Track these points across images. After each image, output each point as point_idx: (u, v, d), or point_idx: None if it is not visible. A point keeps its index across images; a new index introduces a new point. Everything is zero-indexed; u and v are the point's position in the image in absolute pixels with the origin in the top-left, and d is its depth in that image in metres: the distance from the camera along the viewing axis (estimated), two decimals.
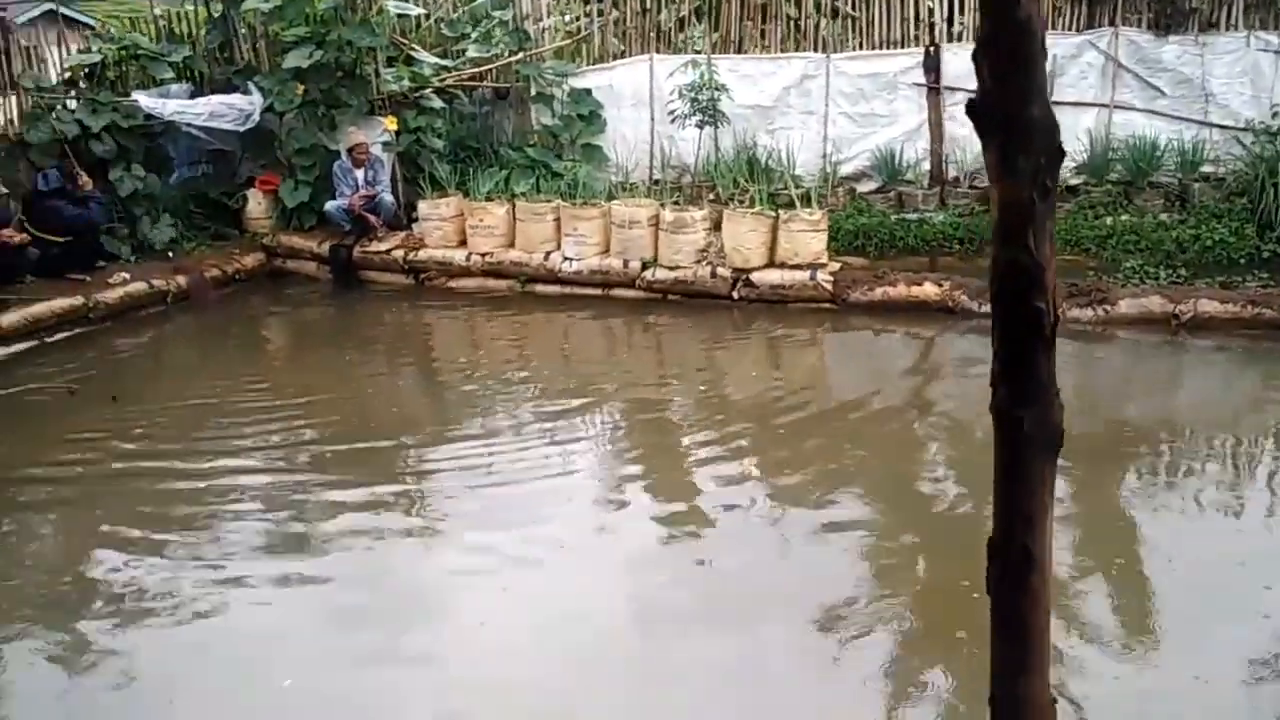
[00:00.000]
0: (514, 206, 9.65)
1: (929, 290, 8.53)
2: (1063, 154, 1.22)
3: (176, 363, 8.57)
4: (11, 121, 9.48)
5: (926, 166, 9.95)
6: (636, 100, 10.52)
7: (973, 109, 1.22)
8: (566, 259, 9.40)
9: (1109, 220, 8.90)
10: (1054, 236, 1.24)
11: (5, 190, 8.52)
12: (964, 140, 9.77)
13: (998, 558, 1.35)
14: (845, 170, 10.09)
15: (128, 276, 9.17)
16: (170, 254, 9.84)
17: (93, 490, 5.73)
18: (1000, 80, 1.17)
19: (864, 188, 10.09)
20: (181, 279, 9.48)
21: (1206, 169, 9.26)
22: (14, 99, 9.55)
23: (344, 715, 3.79)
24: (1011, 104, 1.18)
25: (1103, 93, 9.49)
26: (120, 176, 9.50)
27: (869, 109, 10.03)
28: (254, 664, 4.12)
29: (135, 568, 4.81)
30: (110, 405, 7.08)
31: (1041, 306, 1.23)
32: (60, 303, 8.55)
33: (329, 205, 10.04)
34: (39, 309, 8.39)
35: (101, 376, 7.96)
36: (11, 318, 8.19)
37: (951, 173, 9.89)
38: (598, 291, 9.38)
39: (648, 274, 9.15)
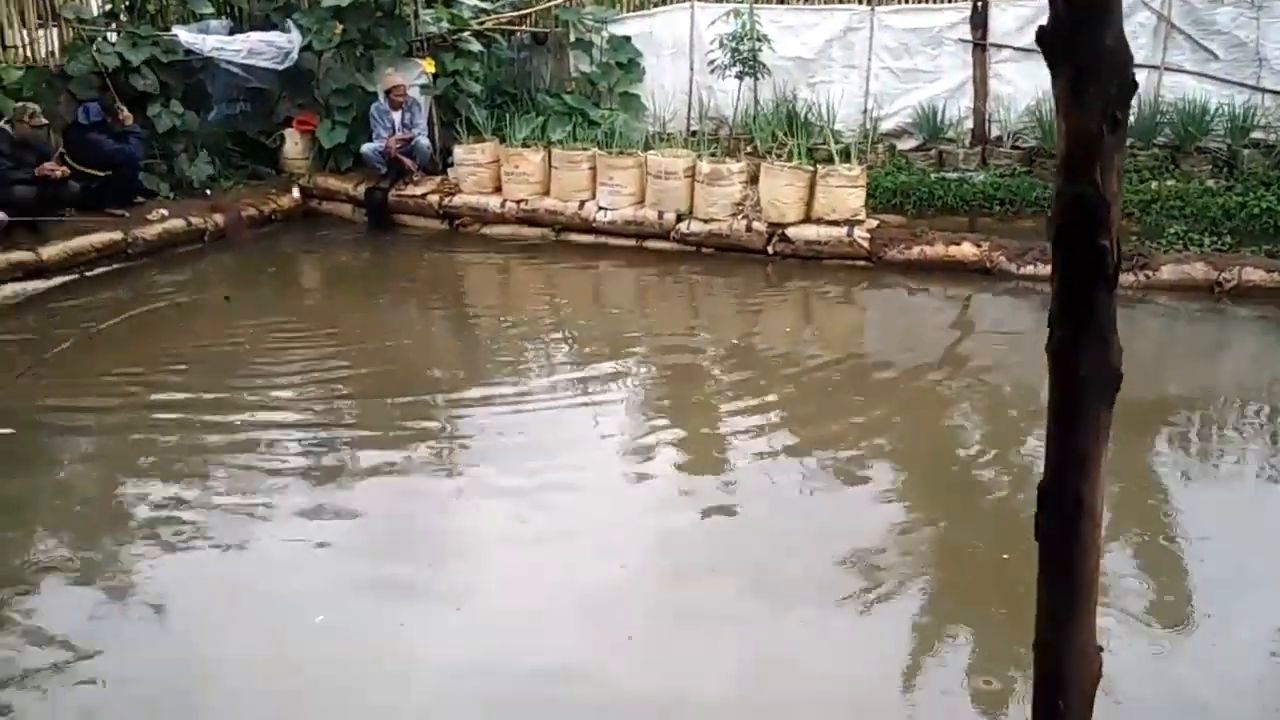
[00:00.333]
0: (550, 154, 9.59)
1: (967, 250, 8.42)
2: (1135, 86, 1.18)
3: (212, 301, 8.62)
4: (53, 53, 9.50)
5: (969, 125, 9.78)
6: (676, 49, 10.38)
7: (1043, 36, 1.18)
8: (601, 208, 9.35)
9: (1154, 184, 8.72)
10: (1122, 172, 1.21)
11: (46, 122, 8.54)
12: (1008, 99, 9.59)
13: (1048, 503, 1.33)
14: (886, 126, 9.93)
15: (166, 213, 9.21)
16: (208, 192, 9.88)
17: (129, 426, 5.80)
18: (1073, 5, 1.13)
19: (904, 145, 9.93)
20: (219, 217, 9.52)
21: (1257, 135, 9.03)
22: (55, 30, 9.56)
23: (374, 649, 3.84)
24: (1084, 31, 1.14)
25: (1154, 54, 9.26)
26: (159, 112, 9.51)
27: (912, 64, 9.85)
28: (286, 598, 4.18)
29: (167, 504, 4.87)
30: (150, 344, 7.14)
31: (1105, 244, 1.20)
32: (100, 237, 8.61)
33: (365, 147, 10.02)
34: (79, 242, 8.45)
35: (140, 312, 8.03)
36: (52, 250, 8.26)
37: (994, 132, 9.72)
38: (631, 242, 9.33)
39: (682, 226, 9.08)
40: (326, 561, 4.43)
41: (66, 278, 8.30)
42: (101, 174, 8.90)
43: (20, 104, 8.39)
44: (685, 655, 3.80)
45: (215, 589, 4.25)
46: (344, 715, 3.53)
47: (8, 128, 8.28)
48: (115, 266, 8.66)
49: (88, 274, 8.45)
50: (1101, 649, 1.39)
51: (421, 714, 3.53)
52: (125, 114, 9.02)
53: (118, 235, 8.74)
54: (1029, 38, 9.30)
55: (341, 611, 4.06)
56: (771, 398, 6.17)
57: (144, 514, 4.80)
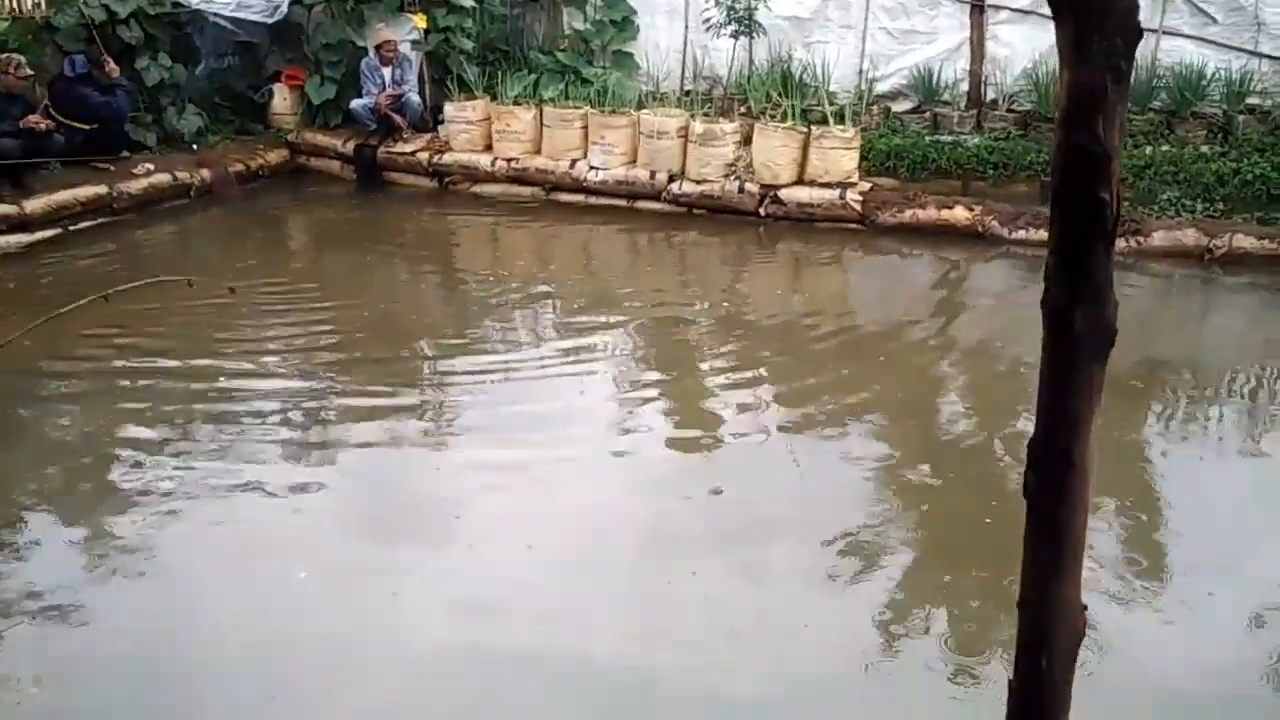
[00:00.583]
0: (541, 112, 9.50)
1: (959, 214, 8.40)
2: (1140, 35, 1.16)
3: (198, 258, 8.55)
4: (39, 5, 9.33)
5: (964, 88, 9.69)
6: (671, 7, 10.24)
7: None
8: (593, 168, 9.28)
9: (1148, 150, 8.68)
10: (1124, 126, 1.18)
11: (31, 74, 8.40)
12: (1005, 61, 9.51)
13: (1038, 461, 1.32)
14: (881, 88, 9.84)
15: (152, 167, 9.10)
16: (195, 146, 9.75)
17: (110, 386, 5.75)
18: None
19: (899, 107, 9.85)
20: (205, 173, 9.42)
21: (1253, 100, 8.98)
22: None
23: (355, 605, 3.85)
24: None
25: (1151, 17, 9.16)
26: (147, 65, 9.36)
27: (909, 25, 9.74)
28: (269, 556, 4.18)
29: (152, 464, 4.84)
30: (134, 302, 7.06)
31: (1105, 198, 1.18)
32: (85, 190, 8.51)
33: (355, 103, 9.90)
34: (64, 196, 8.35)
35: (125, 268, 7.96)
36: (37, 204, 8.16)
37: (990, 95, 9.64)
38: (623, 202, 9.27)
39: (674, 186, 9.02)
40: (310, 524, 4.42)
41: (50, 232, 8.21)
42: (87, 127, 8.78)
43: (5, 55, 8.26)
44: (662, 625, 3.79)
45: (199, 549, 4.23)
46: (327, 673, 3.53)
47: None
48: (100, 221, 8.56)
49: (71, 228, 8.36)
50: (1085, 608, 1.39)
51: (403, 675, 3.53)
52: (112, 66, 8.88)
53: (103, 189, 8.63)
54: None
55: (325, 573, 4.06)
56: (760, 361, 6.16)
57: (127, 474, 4.76)
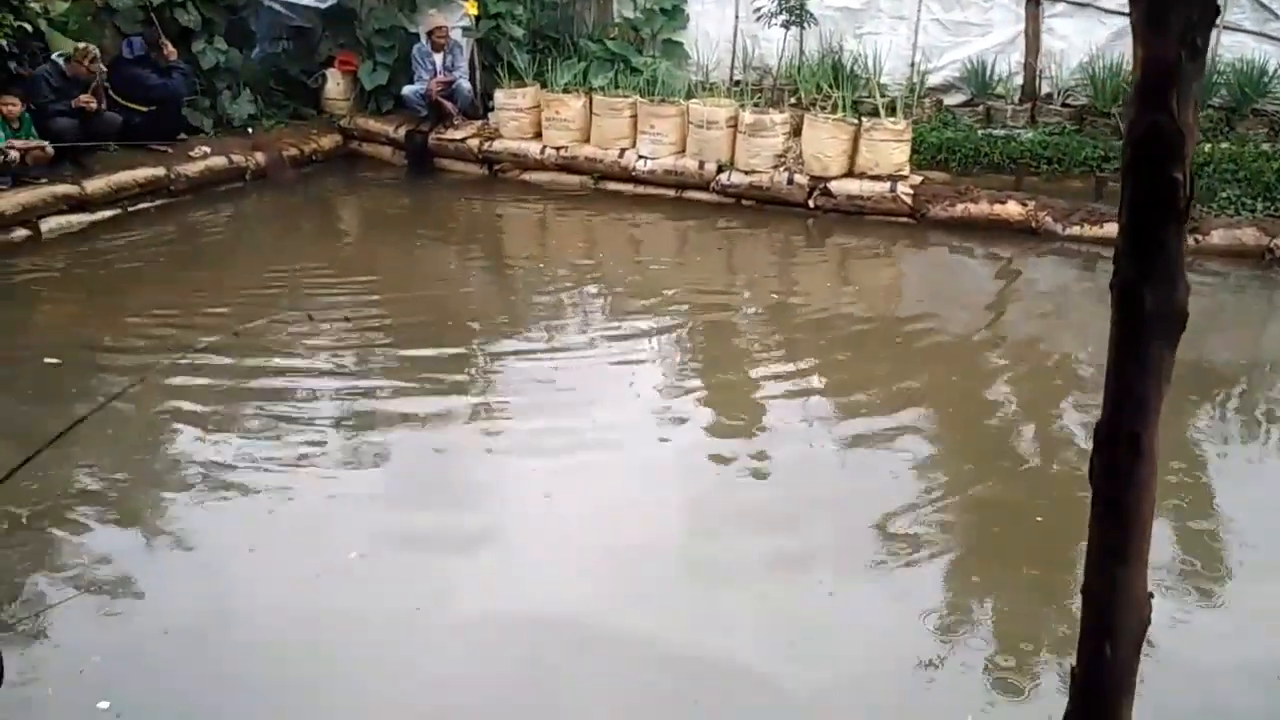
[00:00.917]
0: (591, 100, 9.51)
1: (1012, 209, 8.28)
2: (1218, 11, 1.14)
3: (252, 241, 8.68)
4: None
5: (1019, 81, 9.55)
6: None
7: None
8: (641, 157, 9.27)
9: (1207, 147, 8.50)
10: (1199, 103, 1.16)
11: (104, 69, 8.48)
12: (1060, 55, 9.36)
13: (1104, 444, 1.30)
14: (933, 81, 9.73)
15: (208, 150, 9.24)
16: (249, 130, 9.89)
17: (168, 364, 5.84)
18: None
19: (951, 100, 9.74)
20: (260, 156, 9.54)
21: None
22: None
23: (404, 587, 3.89)
24: None
25: None
26: (203, 49, 9.50)
27: (963, 17, 9.62)
28: (321, 535, 4.24)
29: (207, 443, 4.93)
30: (192, 284, 7.21)
31: (1178, 178, 1.16)
32: (143, 172, 8.66)
33: (406, 89, 9.97)
34: (123, 177, 8.50)
35: (181, 250, 8.11)
36: (97, 184, 8.31)
37: (1045, 89, 9.49)
38: (671, 192, 9.26)
39: (723, 177, 8.99)
40: (359, 507, 4.46)
41: (110, 212, 8.37)
42: (144, 109, 8.93)
43: (83, 45, 8.38)
44: (710, 612, 3.80)
45: (252, 527, 4.30)
46: (375, 654, 3.57)
47: (60, 62, 8.30)
48: (157, 202, 8.71)
49: (130, 209, 8.51)
50: (1152, 595, 1.37)
51: (446, 656, 3.57)
52: (170, 49, 9.02)
53: (160, 171, 8.78)
54: None
55: (375, 555, 4.10)
56: (807, 354, 6.13)
57: (180, 454, 4.85)
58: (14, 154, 7.84)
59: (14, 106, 7.94)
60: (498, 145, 9.82)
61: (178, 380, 5.61)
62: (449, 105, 9.96)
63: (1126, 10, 1.20)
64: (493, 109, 9.98)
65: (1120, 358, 1.25)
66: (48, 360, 5.79)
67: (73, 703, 3.33)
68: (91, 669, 3.45)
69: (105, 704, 3.29)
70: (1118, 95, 8.78)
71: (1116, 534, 1.32)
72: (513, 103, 9.72)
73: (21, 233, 7.83)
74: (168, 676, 3.47)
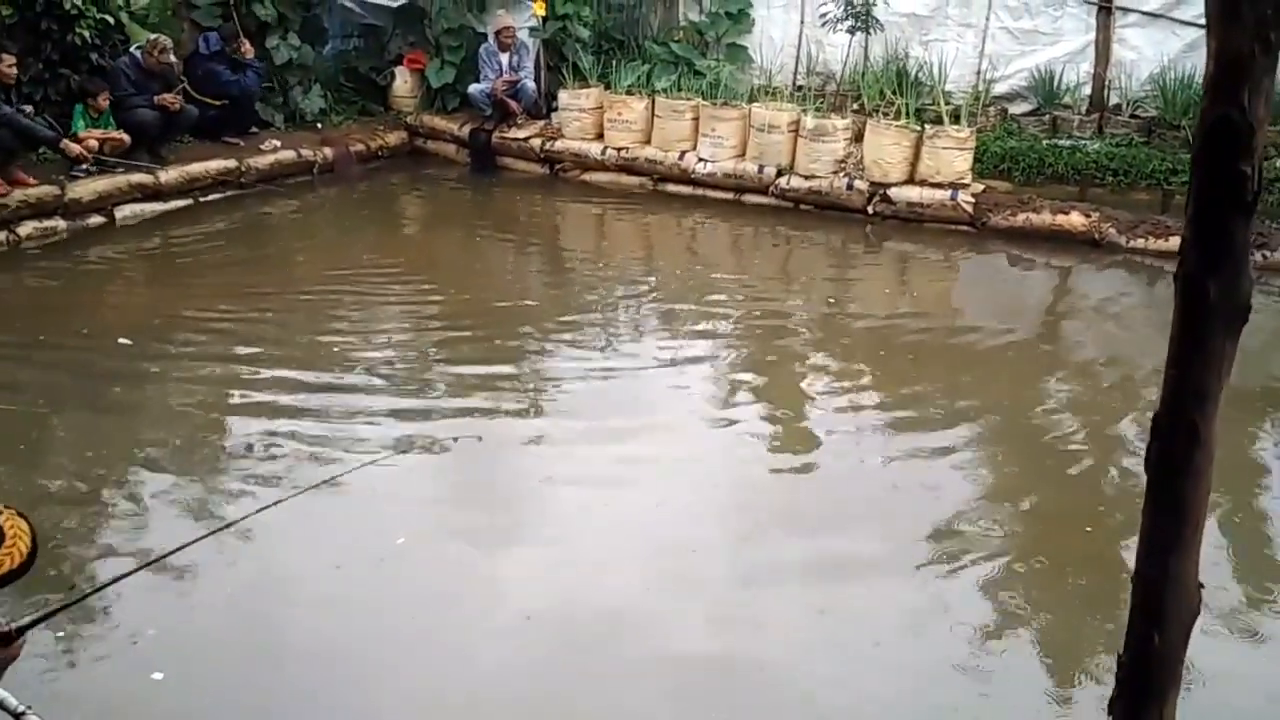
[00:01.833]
0: (653, 102, 9.56)
1: (1075, 220, 8.19)
2: None
3: (318, 235, 8.87)
4: None
5: (1087, 91, 9.44)
6: (787, 1, 10.21)
7: None
8: (701, 160, 9.31)
9: (1278, 162, 8.34)
10: (1271, 97, 1.18)
11: (175, 60, 8.73)
12: (1130, 65, 9.23)
13: (1162, 432, 1.32)
14: (999, 89, 9.64)
15: (278, 144, 9.45)
16: (319, 125, 10.10)
17: (226, 352, 5.99)
18: None
19: (1017, 109, 9.65)
20: (328, 151, 9.74)
21: None
22: None
23: (447, 573, 3.95)
24: None
25: None
26: (277, 44, 9.71)
27: (1032, 25, 9.53)
28: (369, 520, 4.33)
29: (263, 428, 5.04)
30: (258, 273, 7.39)
31: (1246, 171, 1.17)
32: (216, 164, 8.89)
33: (472, 88, 10.11)
34: (196, 168, 8.73)
35: (249, 238, 8.32)
36: (171, 175, 8.55)
37: (1113, 99, 9.37)
38: (729, 196, 9.28)
39: (782, 181, 9.00)
40: (410, 496, 4.55)
41: (182, 202, 8.60)
42: (218, 103, 9.16)
43: (153, 37, 8.63)
44: (751, 616, 3.81)
45: (302, 511, 4.35)
46: (420, 640, 3.65)
47: (137, 54, 8.56)
48: (228, 194, 8.93)
49: (201, 199, 8.74)
50: (1202, 585, 1.38)
51: (490, 645, 3.63)
52: (246, 46, 9.24)
53: (232, 163, 9.00)
54: (1158, 1, 8.95)
55: (420, 537, 4.18)
56: (861, 360, 6.12)
57: (238, 438, 4.97)
58: (93, 143, 8.11)
59: (104, 100, 8.24)
60: (559, 145, 9.92)
61: (234, 366, 5.77)
62: (513, 104, 10.08)
63: (1201, 22, 1.22)
64: (556, 109, 10.08)
65: (1182, 347, 1.27)
66: (121, 340, 5.98)
67: (127, 673, 3.44)
68: (146, 641, 3.56)
69: (159, 674, 3.39)
70: (1188, 108, 8.63)
71: (1170, 522, 1.34)
72: (576, 103, 9.81)
73: (97, 219, 8.09)
74: (219, 650, 3.56)
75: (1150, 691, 1.42)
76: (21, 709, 1.63)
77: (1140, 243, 7.90)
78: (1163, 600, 1.38)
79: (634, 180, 9.68)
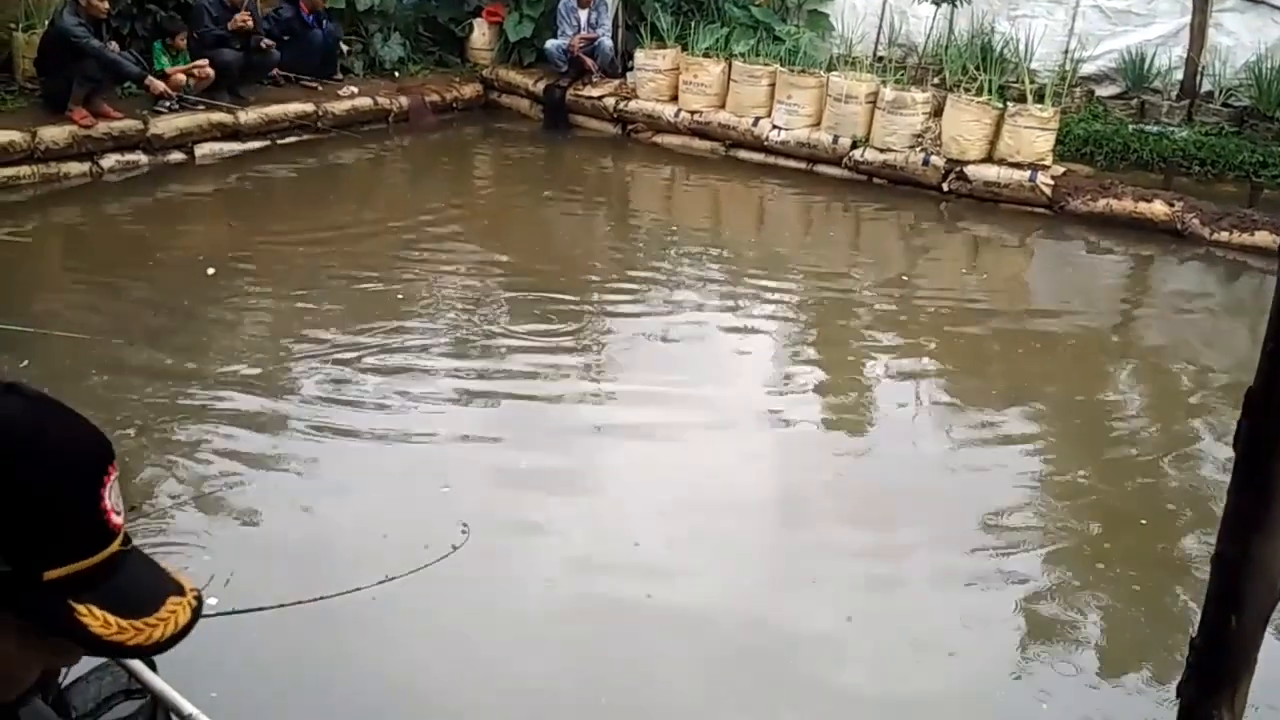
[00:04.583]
0: (730, 66, 9.46)
1: (1158, 208, 7.96)
2: None
3: (390, 183, 8.94)
4: None
5: (1178, 76, 9.15)
6: None
7: None
8: (775, 127, 9.21)
9: None
10: None
11: None
12: (1225, 51, 8.92)
13: (1253, 408, 1.28)
14: (1086, 70, 9.40)
15: (355, 90, 9.54)
16: (396, 74, 10.17)
17: (289, 292, 6.08)
18: None
19: (1104, 91, 9.40)
20: (404, 100, 9.80)
21: None
22: None
23: (488, 524, 3.94)
24: None
25: None
26: None
27: (1125, 5, 9.25)
28: (417, 465, 4.39)
29: (323, 374, 5.09)
30: (329, 216, 7.48)
31: None
32: (294, 107, 8.99)
33: (549, 44, 10.10)
34: (275, 110, 8.85)
35: (321, 182, 8.42)
36: (251, 116, 8.67)
37: (1205, 86, 9.08)
38: (802, 165, 9.17)
39: (856, 153, 8.87)
40: (464, 450, 4.57)
41: (259, 143, 8.73)
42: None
43: None
44: (797, 591, 3.77)
45: (357, 456, 4.44)
46: (468, 589, 3.67)
47: None
48: (304, 137, 9.04)
49: (278, 141, 8.85)
50: None
51: (532, 601, 3.63)
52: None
53: (309, 107, 9.10)
54: None
55: (465, 486, 4.23)
56: (925, 339, 6.00)
57: (303, 383, 5.01)
58: (180, 77, 8.28)
59: (181, 40, 8.45)
60: (633, 105, 9.87)
61: (299, 306, 5.86)
62: (589, 62, 10.05)
63: None
64: (632, 69, 10.03)
65: None
66: (209, 271, 6.15)
67: None
68: (199, 563, 3.62)
69: (214, 599, 3.45)
70: None
71: (1255, 501, 1.30)
72: (652, 64, 9.74)
73: (178, 155, 8.25)
74: (267, 576, 3.58)
75: (1223, 676, 1.39)
76: (189, 710, 1.59)
77: (1224, 236, 7.66)
78: (1242, 582, 1.34)
79: (706, 145, 9.61)
